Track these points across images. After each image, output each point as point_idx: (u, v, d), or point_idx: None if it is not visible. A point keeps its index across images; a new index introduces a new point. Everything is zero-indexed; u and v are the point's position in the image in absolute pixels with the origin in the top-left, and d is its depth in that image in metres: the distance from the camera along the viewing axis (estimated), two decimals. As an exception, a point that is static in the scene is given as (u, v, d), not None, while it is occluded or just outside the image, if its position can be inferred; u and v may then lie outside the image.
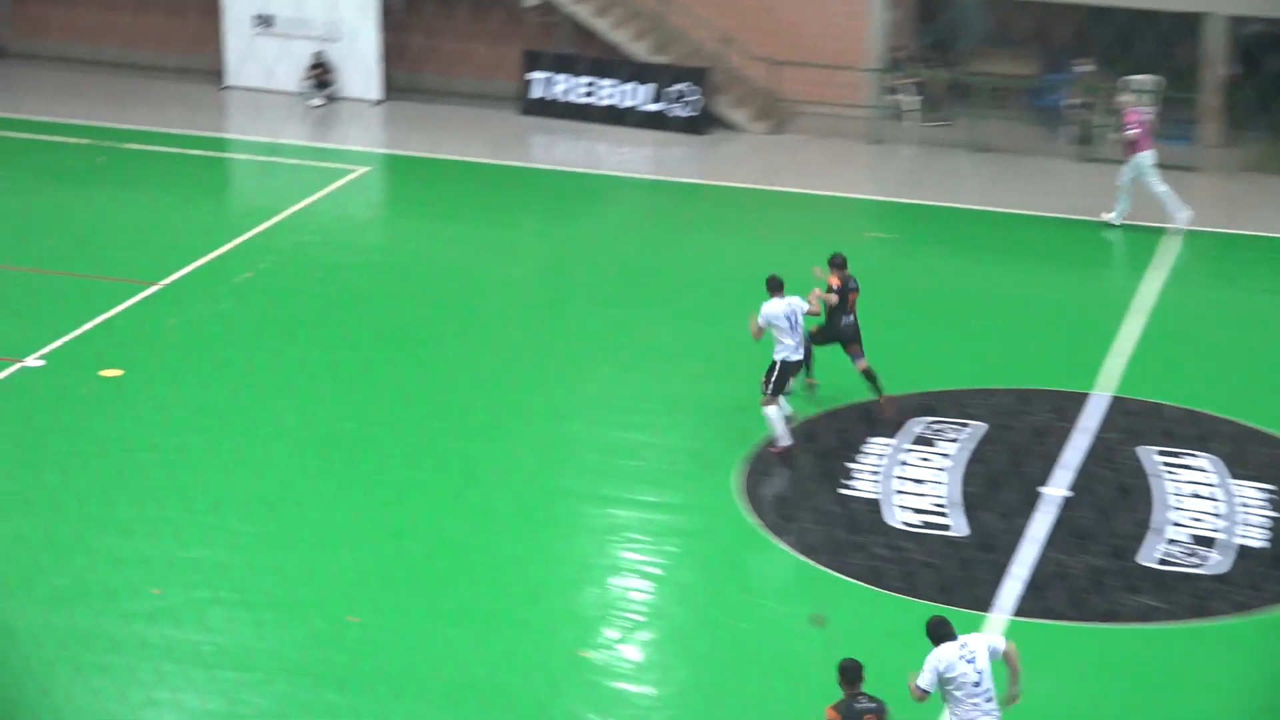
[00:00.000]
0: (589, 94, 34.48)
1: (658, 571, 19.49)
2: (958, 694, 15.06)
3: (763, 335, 21.45)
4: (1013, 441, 21.93)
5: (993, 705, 15.08)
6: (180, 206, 29.99)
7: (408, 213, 31.26)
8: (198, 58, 37.11)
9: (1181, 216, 28.79)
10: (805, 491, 20.83)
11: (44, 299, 26.04)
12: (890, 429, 22.09)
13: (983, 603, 18.63)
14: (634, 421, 22.81)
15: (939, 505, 20.54)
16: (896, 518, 20.29)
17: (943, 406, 22.80)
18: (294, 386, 23.33)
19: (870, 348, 22.42)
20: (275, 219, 29.36)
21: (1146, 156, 28.54)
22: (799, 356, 21.52)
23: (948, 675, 15.02)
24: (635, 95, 34.21)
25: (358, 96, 35.64)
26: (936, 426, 22.26)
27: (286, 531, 19.89)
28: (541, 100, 34.76)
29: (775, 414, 21.43)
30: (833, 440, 21.92)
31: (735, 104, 34.25)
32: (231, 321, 25.47)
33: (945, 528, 20.07)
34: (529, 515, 20.41)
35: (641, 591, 19.09)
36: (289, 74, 35.84)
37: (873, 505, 20.53)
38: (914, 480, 21.07)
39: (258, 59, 36.19)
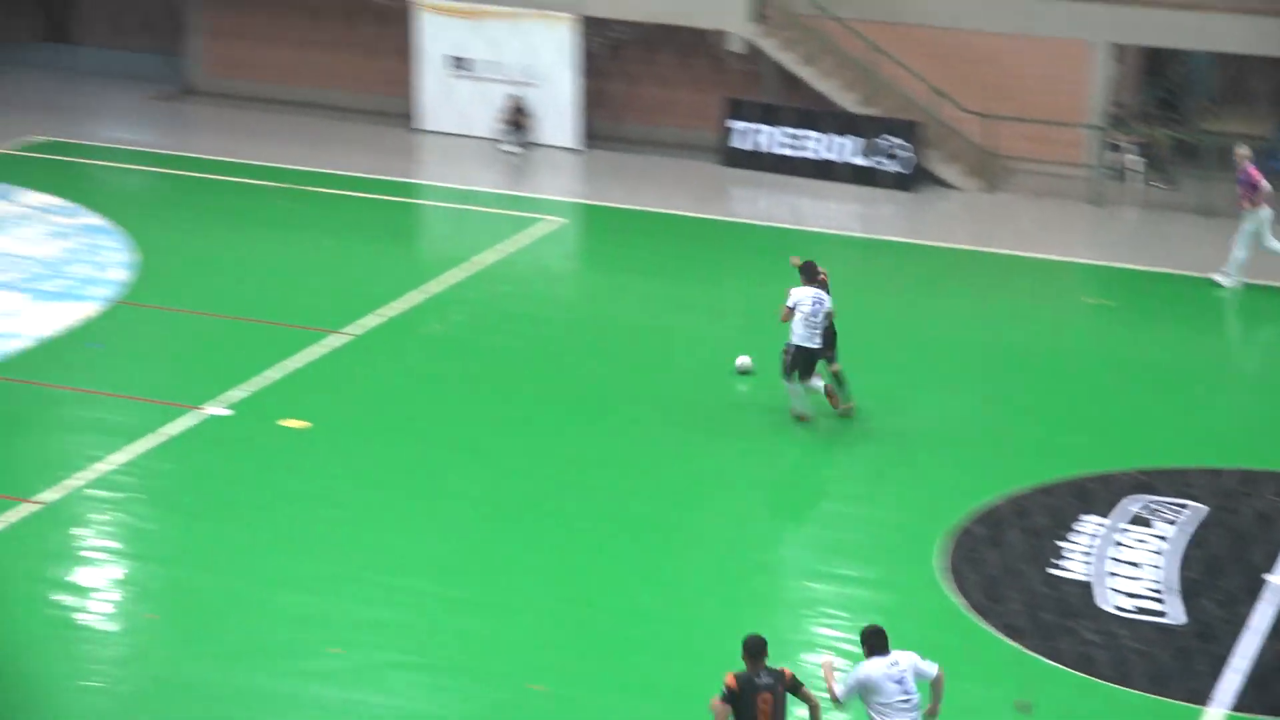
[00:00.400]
0: (794, 146, 34.65)
1: (855, 649, 19.48)
2: (879, 704, 15.74)
3: (791, 318, 23.52)
4: (1235, 525, 21.70)
5: (915, 713, 15.77)
6: (370, 254, 30.57)
7: (603, 266, 31.59)
8: (390, 100, 37.81)
9: None
10: (1013, 571, 20.75)
11: (231, 346, 26.65)
12: (1104, 507, 21.97)
13: (1199, 695, 18.44)
14: (835, 491, 22.88)
15: (1154, 590, 20.37)
16: (1109, 601, 20.15)
17: (1161, 485, 22.63)
18: (482, 444, 23.64)
19: (1087, 419, 22.36)
20: (467, 268, 29.81)
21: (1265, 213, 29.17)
22: (812, 345, 23.46)
23: (870, 689, 15.74)
24: (842, 148, 34.35)
25: (554, 144, 36.10)
26: (1154, 506, 22.09)
27: (472, 595, 20.15)
28: (744, 151, 34.99)
29: (795, 389, 23.90)
30: (1043, 518, 21.83)
31: (947, 160, 34.25)
32: (420, 374, 25.88)
33: (1161, 614, 19.90)
34: (723, 586, 20.51)
35: (837, 669, 19.11)
36: (483, 118, 36.39)
37: (1084, 588, 20.40)
38: (1128, 563, 20.92)
39: (452, 102, 36.81)
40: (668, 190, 33.81)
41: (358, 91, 38.49)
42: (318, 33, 38.79)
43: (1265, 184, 29.21)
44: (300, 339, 26.70)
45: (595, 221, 33.11)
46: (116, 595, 20.25)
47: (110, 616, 19.84)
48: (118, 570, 20.75)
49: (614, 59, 36.25)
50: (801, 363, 23.84)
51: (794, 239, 31.89)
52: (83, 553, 21.08)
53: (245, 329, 27.30)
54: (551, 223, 32.25)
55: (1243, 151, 29.83)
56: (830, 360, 24.24)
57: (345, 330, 27.11)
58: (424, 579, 20.42)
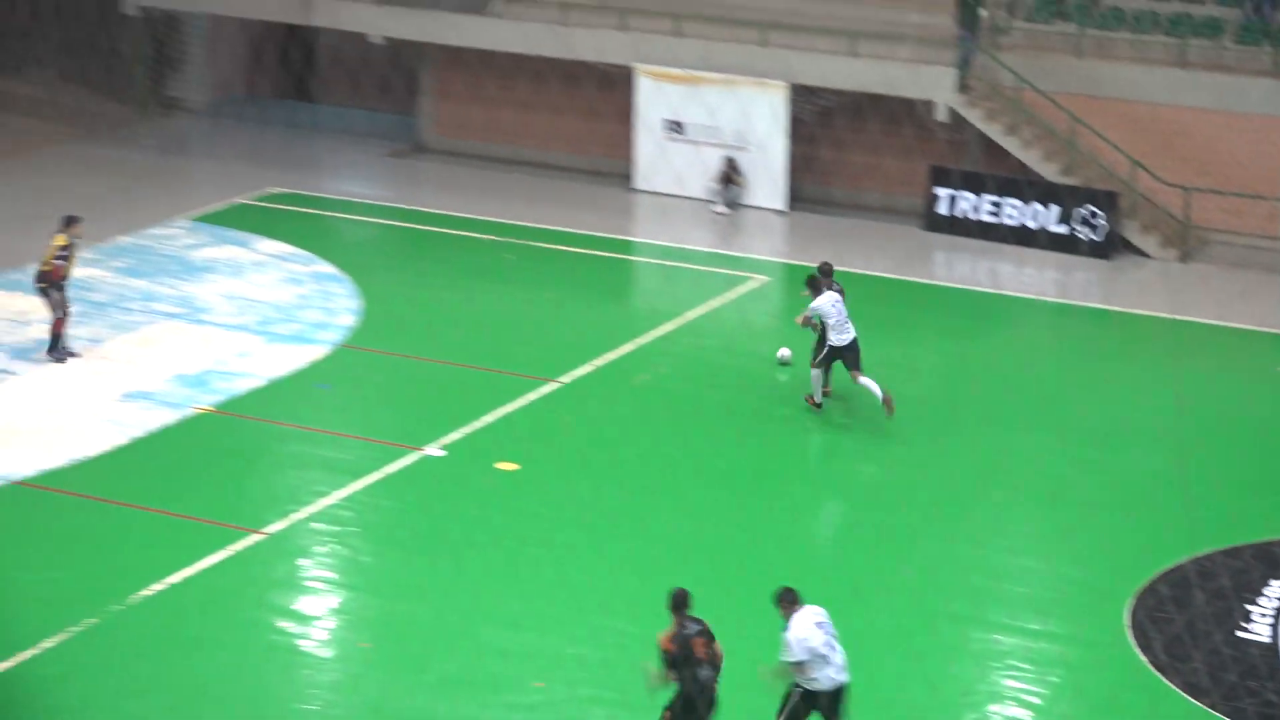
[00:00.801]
0: (995, 213, 34.41)
1: (1038, 702, 19.27)
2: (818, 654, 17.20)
3: (807, 325, 25.74)
4: None
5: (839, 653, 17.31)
6: (584, 306, 30.77)
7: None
8: (609, 161, 38.09)
9: None
10: (1198, 631, 20.37)
11: (449, 390, 26.94)
12: (1292, 573, 21.53)
13: (1381, 762, 17.98)
14: (1022, 546, 22.63)
15: (1339, 656, 19.90)
16: (1293, 666, 19.73)
17: (1349, 553, 22.13)
18: (686, 491, 23.67)
19: (1275, 486, 21.91)
20: (675, 323, 29.90)
21: None
22: (848, 337, 25.45)
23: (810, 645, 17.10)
24: (1042, 216, 34.04)
25: (763, 205, 36.16)
26: (1343, 574, 21.60)
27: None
28: (947, 217, 34.81)
29: (817, 376, 25.85)
30: (1230, 581, 21.41)
31: (1144, 229, 33.81)
32: (627, 422, 25.97)
33: (1345, 680, 19.44)
34: (911, 636, 20.34)
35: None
36: (697, 180, 36.54)
37: (1271, 651, 19.97)
38: (1314, 629, 20.47)
39: (668, 164, 36.99)
40: (870, 252, 33.69)
41: (578, 152, 38.81)
42: (542, 96, 39.19)
43: None
44: (515, 386, 26.92)
45: (799, 281, 32.95)
46: (334, 624, 20.52)
47: (327, 644, 20.10)
48: (336, 600, 21.03)
49: (822, 125, 36.23)
50: (848, 356, 25.63)
51: (992, 302, 31.68)
52: (305, 582, 21.39)
53: (463, 375, 27.58)
54: (757, 281, 32.26)
55: None
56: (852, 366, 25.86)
57: (558, 379, 27.29)
58: (625, 619, 20.45)
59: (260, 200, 36.32)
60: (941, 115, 34.87)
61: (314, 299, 30.49)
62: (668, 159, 37.03)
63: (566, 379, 27.32)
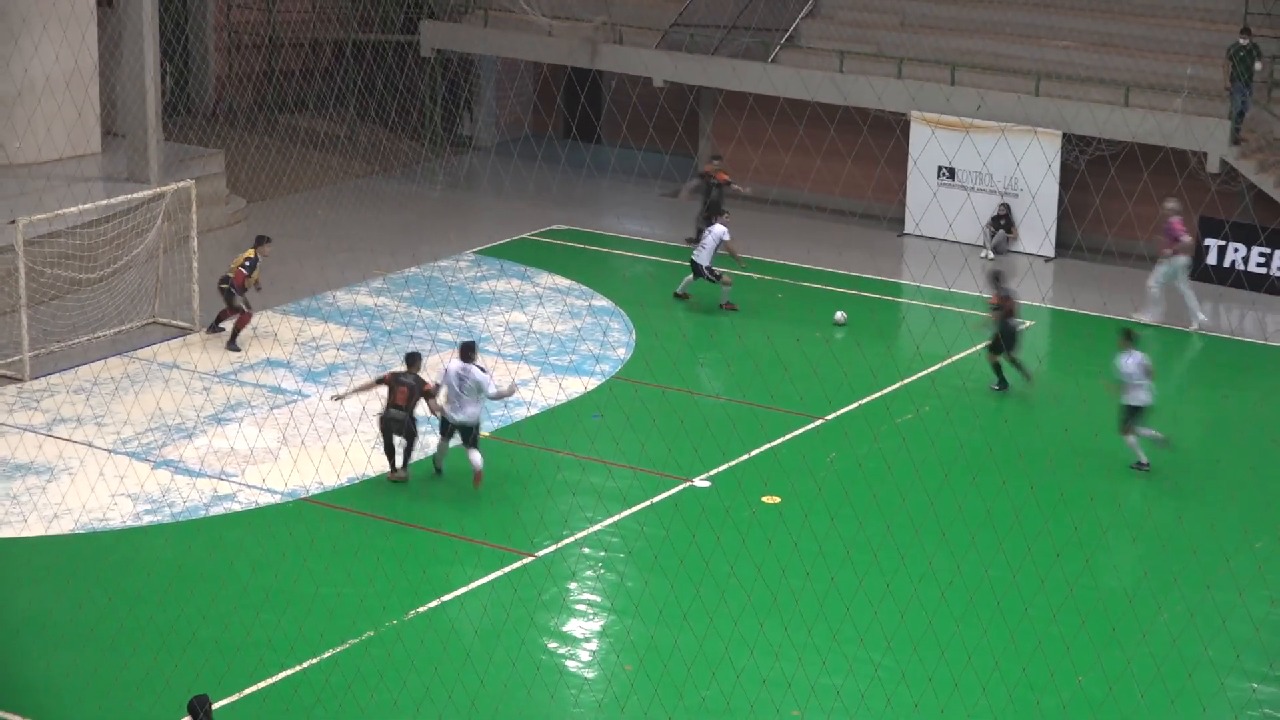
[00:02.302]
0: (1264, 264, 33.63)
1: (1296, 754, 18.77)
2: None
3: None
4: None
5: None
6: (851, 345, 30.66)
7: (1070, 368, 31.09)
8: (881, 205, 37.98)
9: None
10: None
11: (716, 424, 27.01)
12: None
13: None
14: (1284, 598, 22.06)
15: None
16: None
17: None
18: (946, 529, 23.44)
19: None
20: (941, 364, 29.68)
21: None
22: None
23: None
24: (1314, 268, 33.28)
25: (1032, 251, 35.78)
26: None
27: (926, 671, 19.98)
28: (1216, 267, 34.11)
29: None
30: None
31: None
32: (891, 460, 25.82)
33: None
34: (1167, 681, 19.93)
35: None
36: (968, 225, 36.28)
37: None
38: None
39: (939, 209, 36.77)
40: (1139, 301, 33.09)
41: (852, 196, 38.76)
42: (819, 140, 39.18)
43: (1186, 237, 31.82)
44: (781, 421, 26.93)
45: (1064, 326, 32.64)
46: (599, 646, 20.69)
47: (592, 665, 20.27)
48: (602, 622, 21.20)
49: (1094, 173, 35.72)
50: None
51: (1260, 353, 30.95)
52: (573, 604, 21.59)
53: (730, 409, 27.66)
54: (1022, 325, 31.85)
55: (1170, 207, 32.01)
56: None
57: (823, 416, 27.24)
58: (880, 652, 20.35)
59: (543, 236, 36.84)
60: (1214, 166, 34.19)
61: (590, 332, 30.82)
62: (939, 204, 36.81)
63: (832, 416, 27.25)
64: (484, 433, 26.16)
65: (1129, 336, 25.87)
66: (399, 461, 24.78)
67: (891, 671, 19.99)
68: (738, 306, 32.25)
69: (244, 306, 29.47)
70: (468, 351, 24.57)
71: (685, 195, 36.61)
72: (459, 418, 24.45)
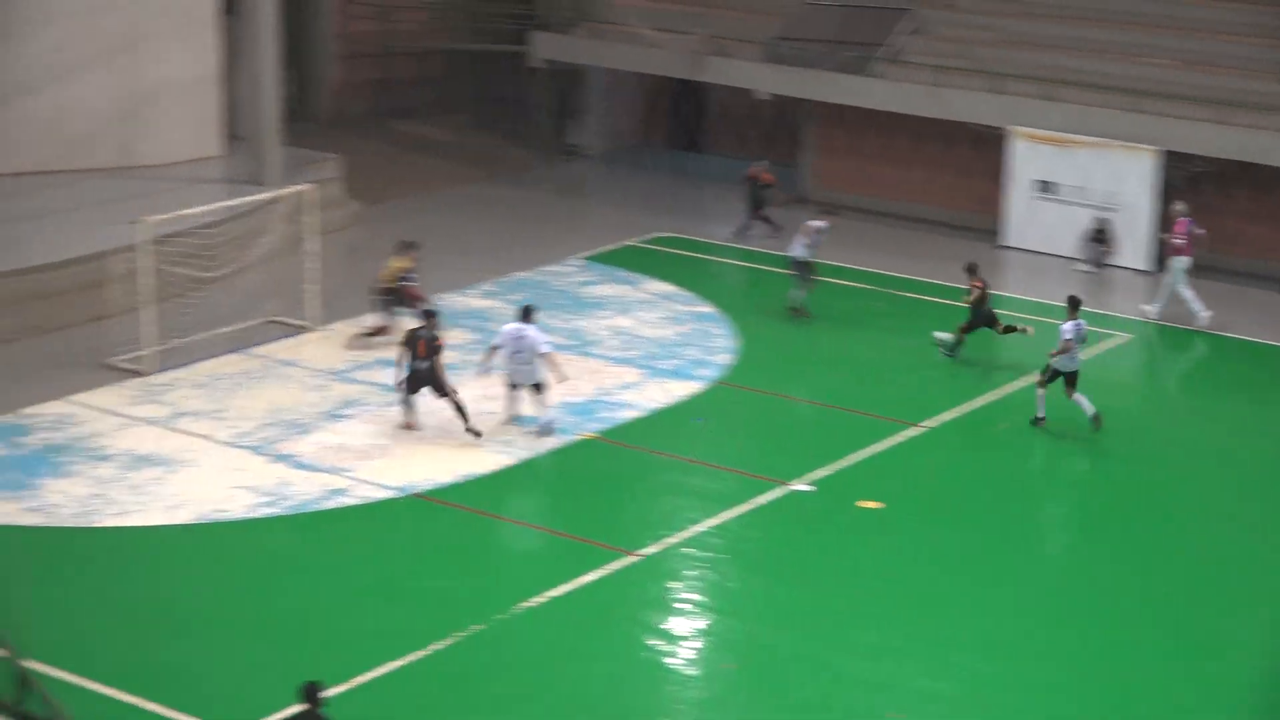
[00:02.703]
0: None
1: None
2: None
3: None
4: None
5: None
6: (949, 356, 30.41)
7: (1164, 381, 30.77)
8: (979, 217, 37.70)
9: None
10: None
11: (817, 429, 26.91)
12: None
13: None
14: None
15: None
16: None
17: None
18: (1042, 538, 23.26)
19: None
20: (1036, 376, 29.38)
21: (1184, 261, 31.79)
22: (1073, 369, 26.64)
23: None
24: None
25: (1128, 265, 35.42)
26: None
27: (1024, 679, 19.75)
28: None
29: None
30: None
31: None
32: (988, 469, 25.60)
33: None
34: (1266, 692, 19.62)
35: None
36: (1065, 239, 35.95)
37: None
38: None
39: (1037, 222, 36.47)
40: (1231, 316, 32.68)
41: (950, 208, 38.51)
42: (918, 153, 39.01)
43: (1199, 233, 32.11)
44: (880, 428, 26.74)
45: (1161, 340, 32.25)
46: (701, 644, 20.57)
47: (694, 663, 20.16)
48: (703, 622, 21.09)
49: (1192, 190, 35.30)
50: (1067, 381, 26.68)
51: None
52: (675, 603, 21.49)
53: (831, 415, 27.51)
54: (1120, 338, 31.57)
55: (1178, 209, 32.44)
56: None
57: (922, 423, 27.04)
58: (978, 656, 20.14)
59: (648, 243, 36.77)
60: (1312, 183, 33.80)
61: (694, 337, 30.73)
62: (1037, 217, 36.51)
63: (931, 424, 27.04)
64: (590, 434, 26.15)
65: (1074, 304, 27.05)
66: (466, 424, 25.70)
67: (989, 677, 19.78)
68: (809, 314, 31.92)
69: (390, 320, 29.22)
70: (527, 313, 25.96)
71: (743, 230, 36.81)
72: (517, 377, 25.81)
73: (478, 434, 25.73)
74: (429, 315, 26.29)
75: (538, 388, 25.98)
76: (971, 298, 29.64)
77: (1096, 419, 26.69)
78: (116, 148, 36.27)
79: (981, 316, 29.64)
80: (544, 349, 25.83)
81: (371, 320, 29.58)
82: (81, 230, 31.40)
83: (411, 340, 25.81)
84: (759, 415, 27.30)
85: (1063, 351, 26.74)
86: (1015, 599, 21.53)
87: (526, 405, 26.28)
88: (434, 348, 25.74)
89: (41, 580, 21.55)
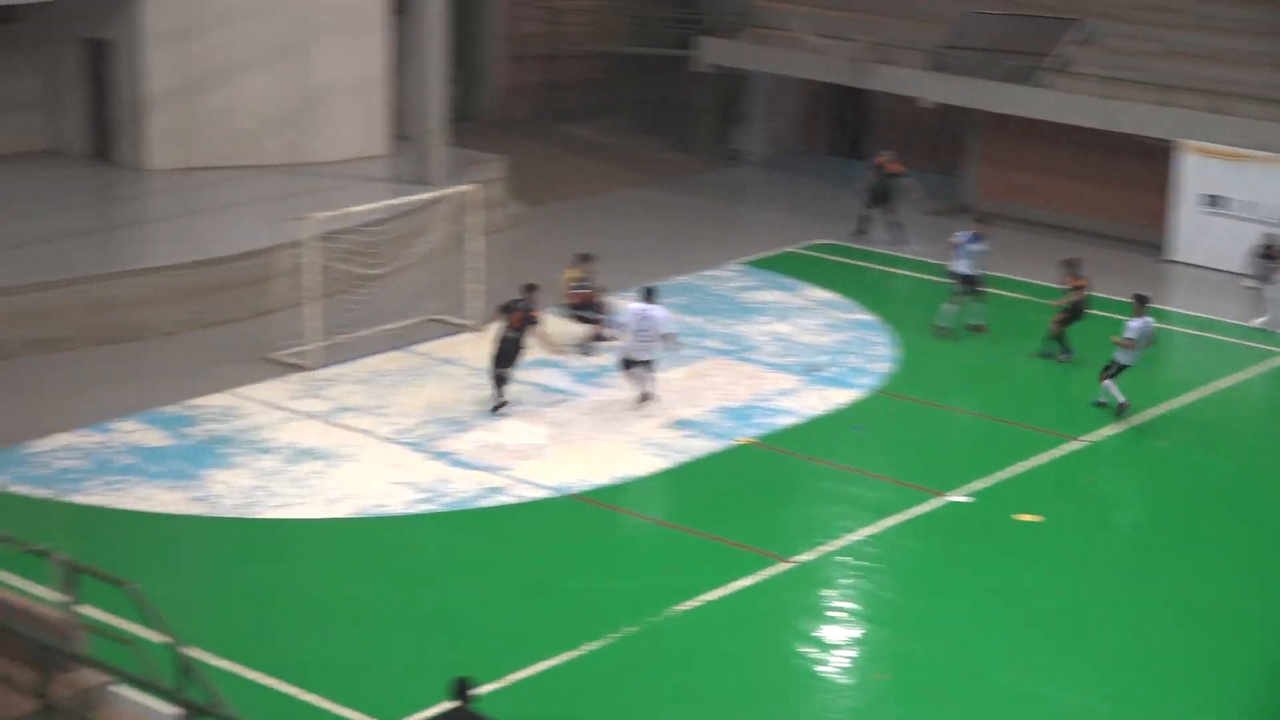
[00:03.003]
0: None
1: None
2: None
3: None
4: None
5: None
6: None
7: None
8: (1144, 230, 37.15)
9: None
10: None
11: (976, 440, 26.63)
12: None
13: None
14: None
15: None
16: None
17: None
18: (1202, 557, 22.80)
19: None
20: (1201, 391, 28.91)
21: None
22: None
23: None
24: None
25: (1296, 283, 34.75)
26: None
27: (1179, 698, 19.37)
28: None
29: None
30: None
31: None
32: (1149, 485, 25.19)
33: None
34: None
35: None
36: (1232, 254, 35.29)
37: None
38: None
39: (1204, 237, 35.85)
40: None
41: (1113, 221, 37.98)
42: (1083, 165, 38.51)
43: None
44: (1041, 441, 26.40)
45: (1331, 359, 31.62)
46: (853, 654, 20.39)
47: (846, 672, 19.98)
48: (857, 631, 20.90)
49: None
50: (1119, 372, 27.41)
51: None
52: (828, 611, 21.33)
53: (990, 426, 27.21)
54: (1285, 357, 31.02)
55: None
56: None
57: (1083, 437, 26.65)
58: (1135, 673, 19.78)
59: (808, 249, 36.60)
60: None
61: (854, 345, 30.52)
62: (1204, 232, 35.88)
63: (1092, 437, 26.65)
64: (747, 439, 26.08)
65: (1142, 301, 27.55)
66: (497, 403, 26.67)
67: (1144, 694, 19.43)
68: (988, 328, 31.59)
69: (601, 323, 29.62)
70: (649, 294, 26.98)
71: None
72: (642, 355, 26.66)
73: (502, 404, 26.66)
74: (530, 289, 26.78)
75: (649, 365, 26.89)
76: (1071, 298, 29.61)
77: (1123, 408, 27.29)
78: (286, 145, 36.73)
79: (1076, 314, 29.78)
80: (669, 328, 26.69)
81: (577, 331, 29.53)
82: (249, 225, 31.81)
83: (508, 309, 26.43)
84: (918, 425, 27.06)
85: (1126, 347, 27.28)
86: (1174, 618, 21.13)
87: (649, 382, 27.07)
88: (529, 319, 26.32)
89: (204, 569, 21.83)
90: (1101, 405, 27.50)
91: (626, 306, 27.55)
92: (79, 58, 36.63)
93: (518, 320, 26.41)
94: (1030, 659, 20.04)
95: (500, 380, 26.67)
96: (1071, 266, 29.98)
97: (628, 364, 27.00)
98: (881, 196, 36.95)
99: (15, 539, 14.68)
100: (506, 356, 26.51)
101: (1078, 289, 29.75)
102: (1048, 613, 21.13)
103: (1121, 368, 27.48)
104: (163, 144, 35.84)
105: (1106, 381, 27.50)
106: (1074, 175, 38.61)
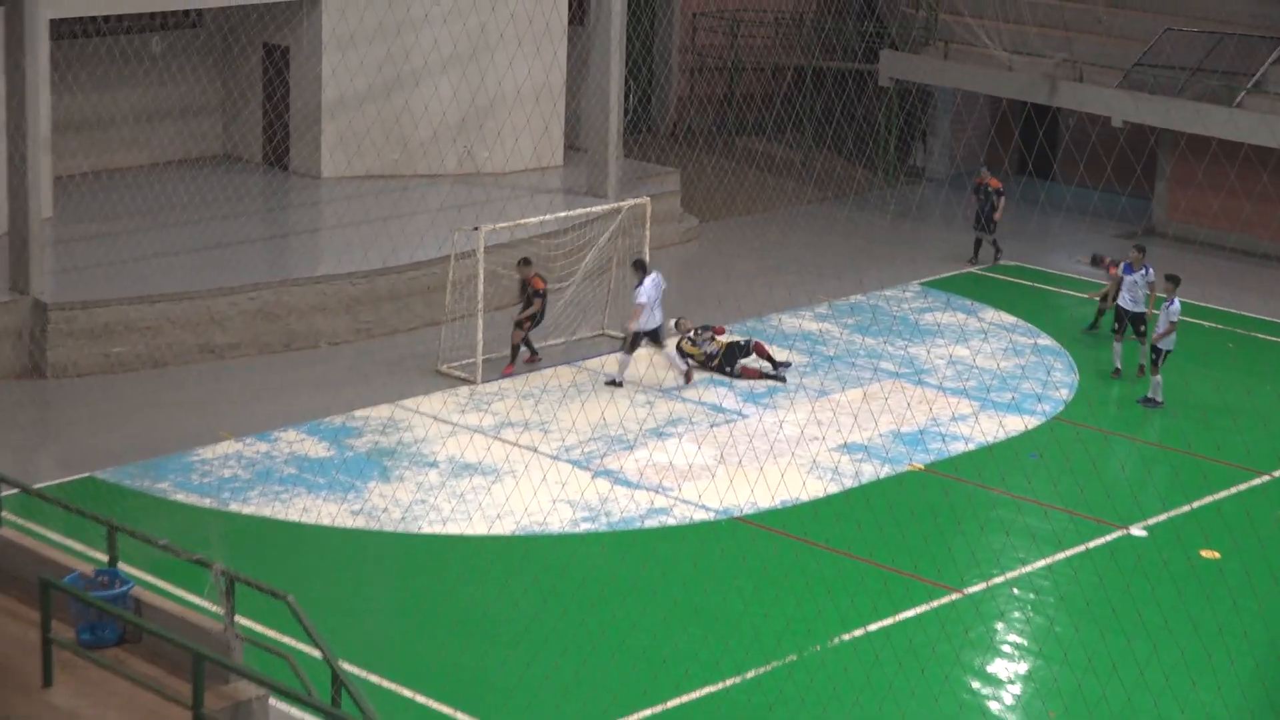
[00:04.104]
0: None
1: None
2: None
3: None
4: None
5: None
6: (1305, 402, 29.44)
7: None
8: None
9: None
10: None
11: (1156, 472, 26.32)
12: None
13: None
14: None
15: None
16: None
17: None
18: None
19: None
20: (1400, 427, 28.34)
21: None
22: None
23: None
24: None
25: None
26: None
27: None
28: None
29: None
30: None
31: None
32: (1340, 524, 24.70)
33: None
34: None
35: None
36: None
37: None
38: None
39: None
40: None
41: (1314, 247, 37.35)
42: (1280, 188, 37.87)
43: None
44: (1225, 474, 25.99)
45: None
46: (1023, 689, 20.21)
47: (1015, 709, 19.80)
48: (1027, 666, 20.71)
49: None
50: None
51: None
52: (999, 645, 21.16)
53: (1172, 458, 26.82)
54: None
55: None
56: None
57: (1272, 472, 26.20)
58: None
59: (989, 271, 36.33)
60: None
61: (1033, 370, 30.25)
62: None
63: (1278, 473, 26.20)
64: (918, 465, 25.97)
65: (1176, 281, 28.65)
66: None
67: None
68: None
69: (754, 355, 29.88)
70: (642, 266, 29.10)
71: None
72: (652, 325, 28.64)
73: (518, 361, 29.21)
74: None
75: (655, 336, 28.70)
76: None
77: (1150, 401, 28.56)
78: (460, 154, 37.13)
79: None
80: (640, 298, 28.44)
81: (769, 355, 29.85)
82: (418, 235, 32.21)
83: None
84: (1096, 454, 26.73)
85: (1168, 333, 28.33)
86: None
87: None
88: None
89: (362, 584, 22.13)
90: (1153, 403, 28.37)
91: (643, 281, 28.66)
92: (258, 63, 37.33)
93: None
94: (1207, 700, 19.72)
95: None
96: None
97: (637, 339, 28.45)
98: (988, 216, 36.51)
99: (176, 547, 14.97)
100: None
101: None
102: (1226, 653, 20.77)
103: (1166, 354, 28.58)
104: (337, 151, 36.42)
105: (1157, 378, 28.53)
106: (1270, 199, 37.92)
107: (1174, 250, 37.75)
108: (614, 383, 28.74)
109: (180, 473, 24.76)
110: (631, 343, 28.67)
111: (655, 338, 28.89)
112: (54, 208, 32.65)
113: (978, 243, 36.93)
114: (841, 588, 22.29)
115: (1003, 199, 36.53)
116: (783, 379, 29.22)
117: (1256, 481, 25.89)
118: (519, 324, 29.19)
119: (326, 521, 23.45)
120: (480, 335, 28.65)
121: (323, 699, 13.70)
